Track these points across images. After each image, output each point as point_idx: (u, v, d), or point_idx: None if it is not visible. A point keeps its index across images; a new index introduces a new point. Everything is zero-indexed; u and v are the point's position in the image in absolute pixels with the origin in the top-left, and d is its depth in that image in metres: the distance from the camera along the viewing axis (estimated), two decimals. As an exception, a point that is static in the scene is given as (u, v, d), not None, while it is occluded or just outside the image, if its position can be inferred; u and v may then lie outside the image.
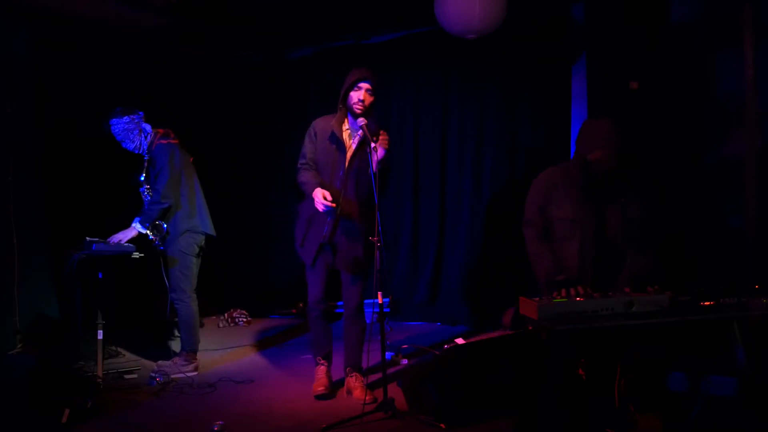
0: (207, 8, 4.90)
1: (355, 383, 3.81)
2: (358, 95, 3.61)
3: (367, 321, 3.88)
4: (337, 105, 3.74)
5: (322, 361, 3.92)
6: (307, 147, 3.78)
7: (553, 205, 3.38)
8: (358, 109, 3.62)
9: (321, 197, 3.54)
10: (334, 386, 3.90)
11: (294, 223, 3.92)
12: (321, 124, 3.78)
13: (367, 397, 3.56)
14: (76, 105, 4.93)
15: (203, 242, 4.37)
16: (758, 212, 3.97)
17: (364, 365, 3.86)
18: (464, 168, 5.51)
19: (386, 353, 3.61)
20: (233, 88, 6.36)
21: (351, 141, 3.74)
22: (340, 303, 4.04)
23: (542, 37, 5.02)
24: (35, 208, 4.59)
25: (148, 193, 4.25)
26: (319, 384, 3.81)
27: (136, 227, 4.14)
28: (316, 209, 3.62)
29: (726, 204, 4.22)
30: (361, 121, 3.58)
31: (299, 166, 3.81)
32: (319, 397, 3.77)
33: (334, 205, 3.57)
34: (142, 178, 4.25)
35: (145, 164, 4.25)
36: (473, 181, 5.47)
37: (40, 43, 4.67)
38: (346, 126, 3.74)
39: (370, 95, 3.64)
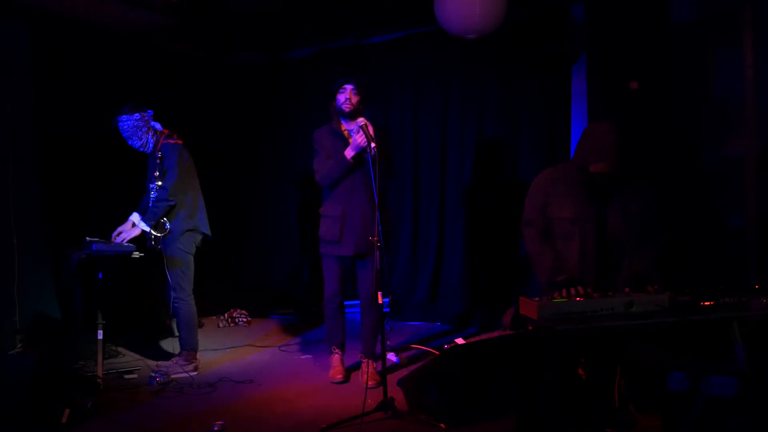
0: (207, 8, 4.90)
1: (365, 368, 4.01)
2: (344, 95, 3.91)
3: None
4: (330, 111, 4.01)
5: (336, 350, 4.14)
6: (319, 152, 4.00)
7: (554, 205, 3.38)
8: (346, 107, 3.90)
9: (362, 133, 3.69)
10: (348, 372, 4.12)
11: (317, 228, 4.04)
12: (321, 131, 4.09)
13: (371, 383, 3.77)
14: (76, 105, 4.92)
15: (200, 242, 4.40)
16: (758, 212, 3.97)
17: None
18: (464, 168, 5.51)
19: (387, 354, 3.62)
20: (233, 88, 6.36)
21: (351, 139, 3.90)
22: (348, 303, 4.21)
23: (542, 37, 5.02)
24: (35, 208, 4.58)
25: (157, 190, 4.25)
26: (336, 372, 4.04)
27: (140, 225, 4.15)
28: (348, 204, 3.85)
29: (726, 204, 4.22)
30: (361, 121, 3.70)
31: (316, 167, 3.99)
32: (337, 384, 3.98)
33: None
34: (156, 175, 4.25)
35: (158, 161, 4.25)
36: (473, 181, 5.47)
37: (40, 43, 4.67)
38: (343, 127, 3.99)
39: (356, 95, 3.90)
